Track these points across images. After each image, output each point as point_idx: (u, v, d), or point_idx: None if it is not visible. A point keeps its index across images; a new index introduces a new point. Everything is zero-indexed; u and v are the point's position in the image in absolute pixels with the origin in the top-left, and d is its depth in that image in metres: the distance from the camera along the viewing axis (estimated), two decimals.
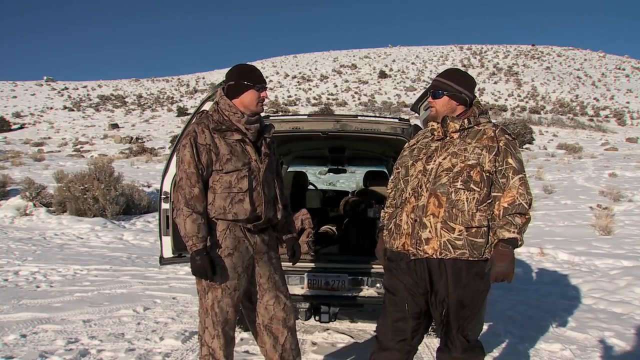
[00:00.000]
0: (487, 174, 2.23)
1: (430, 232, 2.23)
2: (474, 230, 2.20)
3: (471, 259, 2.21)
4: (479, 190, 2.22)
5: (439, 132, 2.35)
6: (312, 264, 3.58)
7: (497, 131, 2.29)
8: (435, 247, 2.21)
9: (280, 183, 2.71)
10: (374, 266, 3.46)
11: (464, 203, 2.21)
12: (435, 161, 2.30)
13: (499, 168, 2.24)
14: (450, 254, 2.20)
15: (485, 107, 2.42)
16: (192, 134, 2.40)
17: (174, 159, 2.95)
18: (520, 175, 2.23)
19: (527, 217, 2.20)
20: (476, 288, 2.24)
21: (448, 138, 2.33)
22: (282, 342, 2.54)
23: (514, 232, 2.16)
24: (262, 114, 2.71)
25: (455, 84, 2.35)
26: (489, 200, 2.24)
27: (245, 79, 2.47)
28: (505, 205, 2.20)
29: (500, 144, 2.25)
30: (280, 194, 2.67)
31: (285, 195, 2.76)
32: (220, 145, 2.41)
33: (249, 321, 2.64)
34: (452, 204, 2.21)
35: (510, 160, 2.24)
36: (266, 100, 2.63)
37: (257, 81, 2.47)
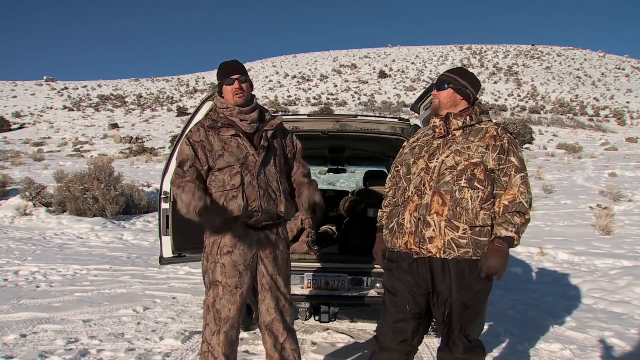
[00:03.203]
0: (490, 173, 2.24)
1: (434, 230, 2.21)
2: (478, 229, 2.19)
3: (475, 258, 2.20)
4: (483, 188, 2.21)
5: (441, 129, 2.34)
6: (312, 264, 3.58)
7: (499, 130, 2.29)
8: (439, 246, 2.20)
9: (302, 166, 2.72)
10: (374, 266, 3.46)
11: (468, 202, 2.20)
12: (438, 159, 2.29)
13: (502, 167, 2.24)
14: (454, 253, 2.19)
15: (486, 108, 2.42)
16: (189, 133, 2.52)
17: (174, 158, 2.97)
18: (522, 174, 2.23)
19: (526, 217, 2.20)
20: (479, 289, 2.23)
21: (450, 136, 2.33)
22: (282, 342, 2.56)
23: (511, 231, 2.16)
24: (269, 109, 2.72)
25: (461, 78, 2.38)
26: (493, 199, 2.24)
27: (218, 77, 2.55)
28: (506, 202, 2.20)
29: (504, 142, 2.26)
30: (305, 174, 2.69)
31: (309, 175, 2.73)
32: (213, 143, 2.46)
33: (255, 318, 2.65)
34: (457, 203, 2.20)
35: (512, 159, 2.24)
36: (256, 93, 2.63)
37: (224, 76, 2.50)
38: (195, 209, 2.29)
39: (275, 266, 2.53)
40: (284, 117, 3.90)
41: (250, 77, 2.57)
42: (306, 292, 3.45)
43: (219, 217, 2.34)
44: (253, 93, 2.58)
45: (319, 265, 3.58)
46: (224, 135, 2.46)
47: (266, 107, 2.68)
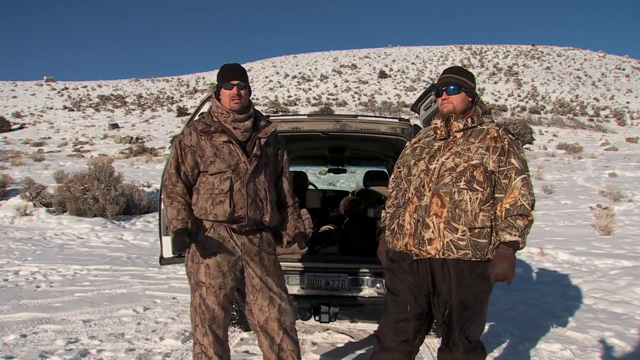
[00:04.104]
0: (491, 174, 2.23)
1: (433, 232, 2.21)
2: (477, 230, 2.19)
3: (474, 259, 2.20)
4: (482, 190, 2.20)
5: (442, 131, 2.34)
6: (312, 264, 3.58)
7: (500, 131, 2.28)
8: (438, 247, 2.20)
9: (285, 183, 2.71)
10: (374, 266, 3.46)
11: (467, 203, 2.19)
12: (438, 161, 2.28)
13: (501, 169, 2.23)
14: (453, 254, 2.19)
15: (488, 108, 2.41)
16: (181, 135, 2.52)
17: None
18: (523, 176, 2.21)
19: (529, 219, 2.19)
20: (479, 289, 2.23)
21: (451, 137, 2.32)
22: (279, 343, 2.52)
23: (515, 235, 2.15)
24: (265, 114, 2.70)
25: (468, 80, 2.37)
26: (492, 201, 2.23)
27: (218, 78, 2.53)
28: (507, 206, 2.19)
29: (504, 144, 2.24)
30: (286, 194, 2.70)
31: (290, 194, 2.75)
32: (205, 147, 2.45)
33: (248, 321, 2.64)
34: (455, 204, 2.20)
35: (513, 161, 2.23)
36: (256, 93, 2.63)
37: (223, 79, 2.48)
38: (174, 228, 2.40)
39: (263, 267, 2.52)
40: (284, 117, 3.90)
41: (250, 77, 2.56)
42: (306, 292, 3.45)
43: (191, 240, 2.41)
44: (250, 98, 2.57)
45: (319, 265, 3.58)
46: (216, 141, 2.45)
47: (262, 112, 2.66)
